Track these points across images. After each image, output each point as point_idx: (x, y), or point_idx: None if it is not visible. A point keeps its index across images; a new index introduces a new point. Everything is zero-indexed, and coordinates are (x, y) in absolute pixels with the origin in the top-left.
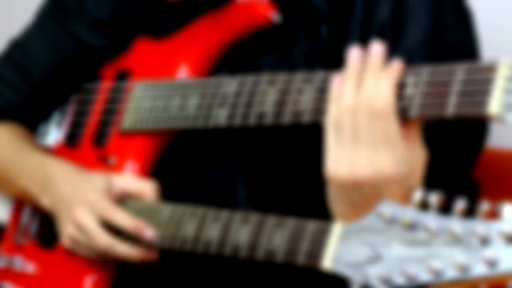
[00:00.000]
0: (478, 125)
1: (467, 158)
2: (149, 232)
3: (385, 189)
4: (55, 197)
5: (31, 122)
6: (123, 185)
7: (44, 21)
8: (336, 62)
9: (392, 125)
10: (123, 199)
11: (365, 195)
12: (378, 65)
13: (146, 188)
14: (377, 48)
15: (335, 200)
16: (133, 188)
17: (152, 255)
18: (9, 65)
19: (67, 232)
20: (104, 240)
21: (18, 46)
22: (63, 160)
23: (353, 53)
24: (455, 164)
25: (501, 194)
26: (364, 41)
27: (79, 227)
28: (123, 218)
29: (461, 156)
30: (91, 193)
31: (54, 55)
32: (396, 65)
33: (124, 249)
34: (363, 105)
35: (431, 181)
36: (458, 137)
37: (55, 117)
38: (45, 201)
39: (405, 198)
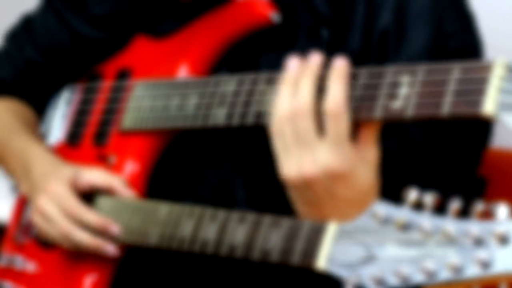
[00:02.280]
0: (483, 122)
1: (472, 154)
2: (114, 227)
3: (334, 187)
4: (30, 185)
5: (31, 99)
6: (90, 179)
7: (46, 6)
8: None
9: (343, 124)
10: (100, 195)
11: (317, 193)
12: (316, 70)
13: (115, 183)
14: (316, 57)
15: (294, 202)
16: (101, 183)
17: (109, 247)
18: (13, 39)
19: (34, 220)
20: (63, 226)
21: (25, 22)
22: (45, 149)
23: (292, 62)
24: (461, 160)
25: (503, 194)
26: (365, 45)
27: (43, 215)
28: (89, 214)
29: (467, 152)
30: (55, 184)
31: (48, 40)
32: (340, 62)
33: (80, 236)
34: (303, 108)
35: (436, 178)
36: (463, 133)
37: (57, 116)
38: (24, 187)
39: (360, 201)
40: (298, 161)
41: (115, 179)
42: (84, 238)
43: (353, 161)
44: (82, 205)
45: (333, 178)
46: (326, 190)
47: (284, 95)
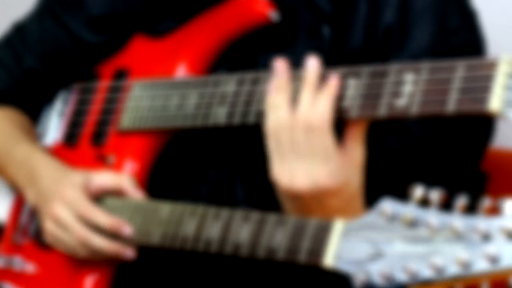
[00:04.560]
0: (485, 117)
1: (474, 149)
2: (127, 229)
3: (324, 200)
4: (38, 192)
5: (27, 108)
6: (101, 182)
7: (42, 11)
8: (338, 63)
9: (328, 139)
10: (105, 197)
11: (307, 204)
12: (314, 82)
13: (123, 183)
14: (313, 63)
15: (284, 205)
16: (111, 185)
17: (127, 251)
18: (7, 49)
19: (47, 228)
20: (81, 232)
21: (18, 30)
22: (49, 156)
23: (280, 65)
24: (463, 155)
25: (503, 194)
26: (367, 43)
27: (57, 222)
28: (101, 217)
29: (469, 147)
30: (68, 190)
31: (48, 46)
32: (334, 81)
33: (99, 242)
34: (300, 122)
35: (438, 174)
36: (464, 128)
37: (54, 117)
38: (30, 194)
39: (347, 207)
40: (291, 169)
41: (124, 180)
42: (102, 243)
43: (343, 174)
44: (95, 208)
45: (325, 193)
46: (316, 202)
47: (284, 103)
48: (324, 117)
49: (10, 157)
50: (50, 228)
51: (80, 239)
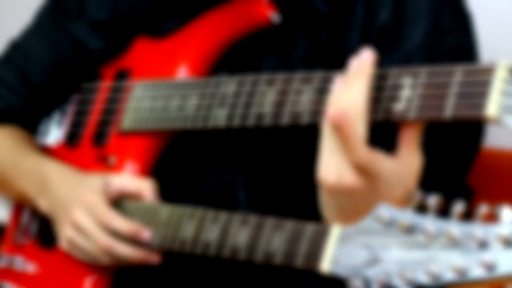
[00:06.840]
0: (474, 129)
1: (462, 163)
2: (146, 234)
3: (374, 198)
4: (52, 200)
5: (30, 124)
6: (121, 185)
7: (44, 23)
8: (336, 65)
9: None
10: (121, 200)
11: (355, 202)
12: (369, 70)
13: (145, 188)
14: (367, 55)
15: (325, 205)
16: (131, 188)
17: (153, 257)
18: (8, 67)
19: (66, 234)
20: (104, 240)
21: (18, 47)
22: (59, 162)
23: (353, 61)
24: (450, 168)
25: (499, 194)
26: (364, 44)
27: (78, 228)
28: (119, 222)
29: (456, 160)
30: (88, 195)
31: (54, 58)
32: (366, 58)
33: (125, 250)
34: (353, 110)
35: (425, 186)
36: (453, 141)
37: (56, 117)
38: (43, 203)
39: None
40: (340, 166)
41: (145, 184)
42: (128, 252)
43: (396, 175)
44: (113, 213)
45: (375, 191)
46: (365, 200)
47: (338, 91)
48: (357, 105)
49: (18, 170)
50: (70, 234)
51: (104, 248)
